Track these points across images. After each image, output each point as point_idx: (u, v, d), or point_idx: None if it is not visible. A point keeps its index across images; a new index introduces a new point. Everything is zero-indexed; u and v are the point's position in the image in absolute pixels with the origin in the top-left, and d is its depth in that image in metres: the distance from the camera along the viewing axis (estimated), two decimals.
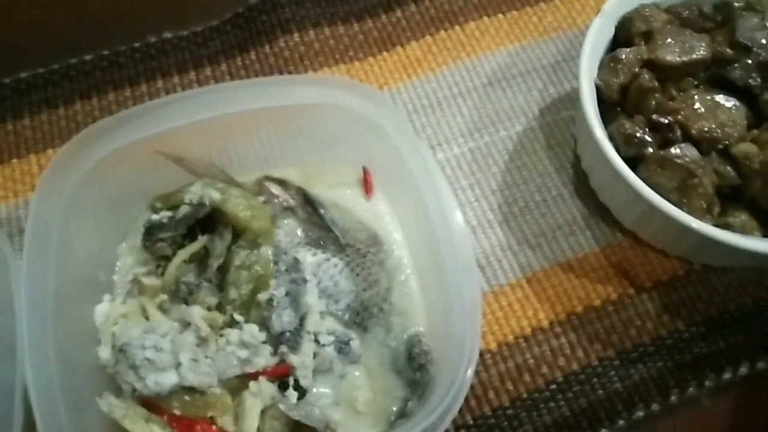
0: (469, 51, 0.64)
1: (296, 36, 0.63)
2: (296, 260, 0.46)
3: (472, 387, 0.48)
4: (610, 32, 0.54)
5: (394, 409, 0.44)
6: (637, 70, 0.52)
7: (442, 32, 0.65)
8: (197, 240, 0.47)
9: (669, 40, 0.52)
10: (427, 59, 0.63)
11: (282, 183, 0.50)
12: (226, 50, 0.63)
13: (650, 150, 0.49)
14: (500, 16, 0.65)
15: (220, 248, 0.46)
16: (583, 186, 0.57)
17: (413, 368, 0.45)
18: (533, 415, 0.49)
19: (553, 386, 0.50)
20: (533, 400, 0.49)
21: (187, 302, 0.45)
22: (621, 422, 0.49)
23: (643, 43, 0.53)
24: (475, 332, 0.40)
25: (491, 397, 0.49)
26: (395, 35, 0.64)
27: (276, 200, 0.49)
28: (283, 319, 0.45)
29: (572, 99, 0.61)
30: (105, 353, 0.42)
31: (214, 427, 0.42)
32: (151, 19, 0.65)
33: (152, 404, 0.43)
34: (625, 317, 0.53)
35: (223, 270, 0.46)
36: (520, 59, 0.63)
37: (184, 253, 0.46)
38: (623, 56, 0.52)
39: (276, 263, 0.46)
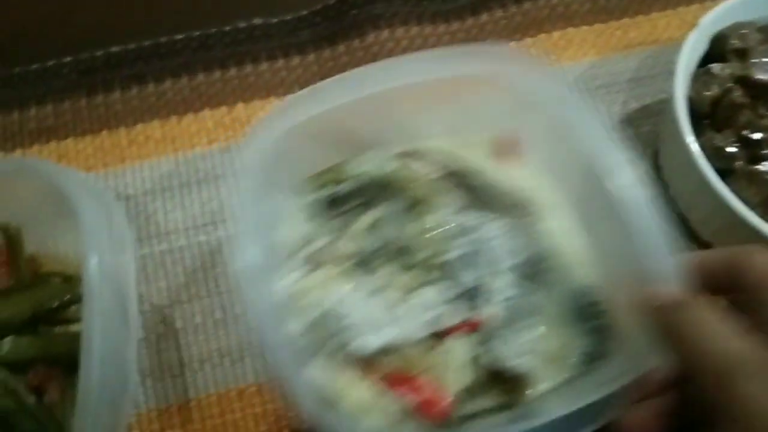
0: (553, 60, 0.64)
1: (386, 32, 0.63)
2: (469, 221, 0.48)
3: None
4: (704, 47, 0.55)
5: (579, 354, 0.45)
6: (729, 85, 0.52)
7: (528, 39, 0.65)
8: (373, 209, 0.48)
9: (764, 59, 0.53)
10: None
11: (425, 155, 0.51)
12: (315, 41, 0.64)
13: (739, 164, 0.50)
14: (585, 27, 0.66)
15: (395, 216, 0.48)
16: (660, 198, 0.57)
17: (590, 316, 0.46)
18: None
19: None
20: None
21: (368, 269, 0.46)
22: None
23: (736, 59, 0.54)
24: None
25: None
26: (480, 39, 0.65)
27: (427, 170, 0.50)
28: (465, 279, 0.46)
29: (653, 113, 0.62)
30: (298, 325, 0.43)
31: (419, 382, 0.43)
32: (241, 4, 0.65)
33: (358, 365, 0.43)
34: None
35: (398, 236, 0.48)
36: (604, 71, 0.64)
37: (363, 222, 0.48)
38: (717, 71, 0.53)
39: (450, 227, 0.48)
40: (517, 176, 0.52)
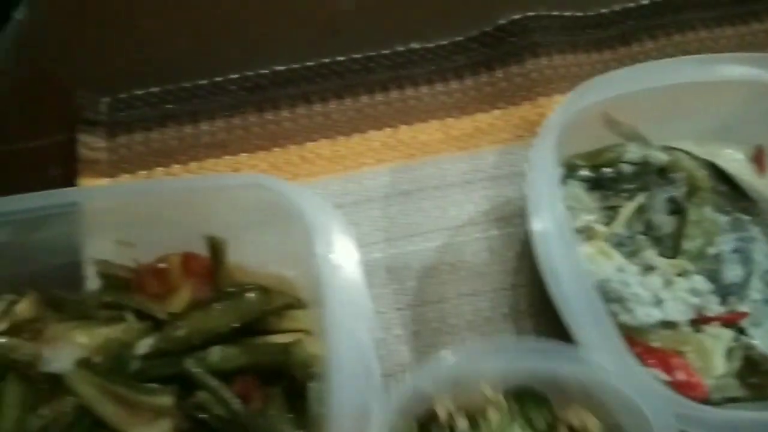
0: None
1: (544, 60, 0.65)
2: (738, 220, 0.51)
3: None
4: None
5: None
6: None
7: None
8: (640, 195, 0.52)
9: None
10: None
11: (690, 154, 0.54)
12: (471, 66, 0.66)
13: None
14: None
15: (660, 204, 0.52)
16: None
17: None
18: None
19: None
20: None
21: (632, 251, 0.50)
22: None
23: None
24: None
25: None
26: None
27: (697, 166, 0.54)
28: (731, 273, 0.49)
29: None
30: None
31: (685, 361, 0.46)
32: (399, 30, 0.67)
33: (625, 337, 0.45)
34: None
35: (661, 224, 0.51)
36: None
37: (632, 206, 0.51)
38: None
39: (720, 222, 0.51)
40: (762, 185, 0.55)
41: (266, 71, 0.65)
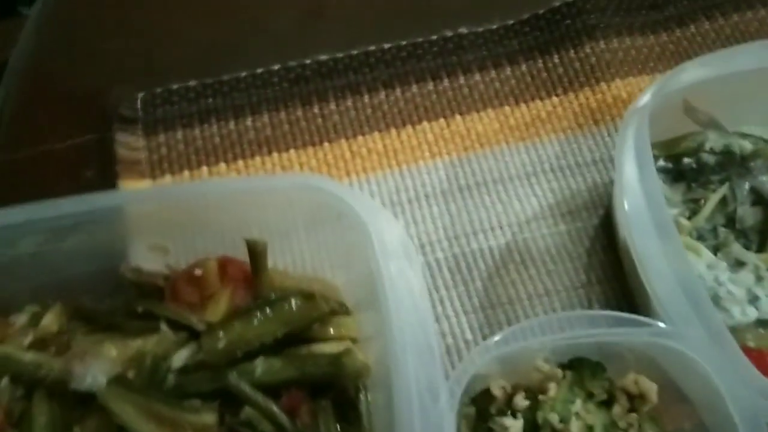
0: None
1: (602, 43, 0.62)
2: None
3: None
4: None
5: None
6: None
7: None
8: (724, 185, 0.49)
9: None
10: None
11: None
12: (525, 51, 0.63)
13: None
14: None
15: (743, 195, 0.49)
16: None
17: None
18: None
19: None
20: None
21: (715, 244, 0.48)
22: None
23: None
24: None
25: None
26: (691, 50, 0.63)
27: None
28: None
29: None
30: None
31: None
32: (448, 14, 0.64)
33: None
34: None
35: (745, 216, 0.49)
36: None
37: (717, 197, 0.48)
38: None
39: None
40: None
41: (309, 61, 0.61)
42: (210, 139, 0.58)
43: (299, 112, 0.59)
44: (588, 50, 0.61)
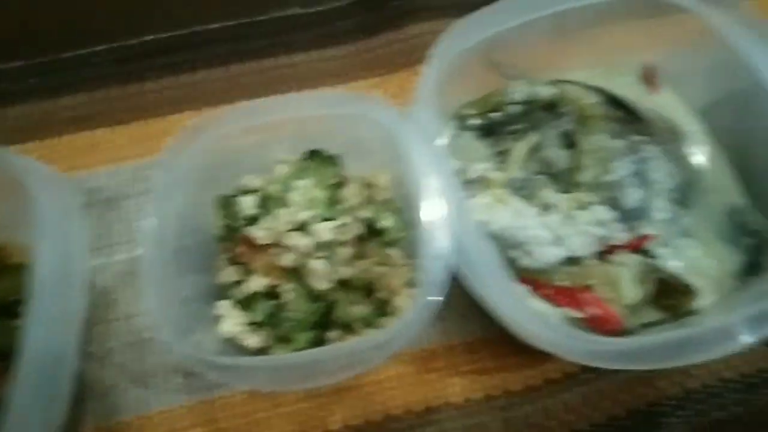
0: None
1: (426, 25, 0.62)
2: (632, 143, 0.49)
3: None
4: None
5: (736, 270, 0.48)
6: None
7: None
8: (530, 135, 0.50)
9: None
10: None
11: (578, 83, 0.52)
12: (351, 32, 0.63)
13: None
14: None
15: (553, 140, 0.50)
16: None
17: (744, 234, 0.48)
18: None
19: None
20: None
21: (530, 193, 0.48)
22: None
23: None
24: None
25: None
26: None
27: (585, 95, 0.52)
28: (631, 197, 0.48)
29: None
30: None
31: (590, 296, 0.45)
32: None
33: (529, 281, 0.46)
34: None
35: (557, 159, 0.50)
36: None
37: (523, 147, 0.50)
38: None
39: (613, 147, 0.49)
40: (661, 104, 0.53)
41: (134, 41, 0.62)
42: (28, 118, 0.58)
43: (116, 92, 0.59)
44: (410, 31, 0.61)
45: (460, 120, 0.52)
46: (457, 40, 0.46)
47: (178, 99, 0.59)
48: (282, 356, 0.44)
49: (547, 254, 0.45)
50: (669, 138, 0.51)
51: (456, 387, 0.49)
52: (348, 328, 0.47)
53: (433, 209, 0.41)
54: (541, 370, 0.49)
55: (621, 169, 0.48)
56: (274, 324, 0.46)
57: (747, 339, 0.39)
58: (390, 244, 0.48)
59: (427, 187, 0.42)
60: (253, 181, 0.49)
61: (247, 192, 0.48)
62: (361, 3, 0.64)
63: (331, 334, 0.47)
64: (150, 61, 0.61)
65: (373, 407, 0.48)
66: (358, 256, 0.48)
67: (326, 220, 0.47)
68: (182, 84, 0.60)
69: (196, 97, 0.59)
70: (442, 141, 0.45)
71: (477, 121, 0.52)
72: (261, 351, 0.47)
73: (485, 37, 0.47)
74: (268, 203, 0.47)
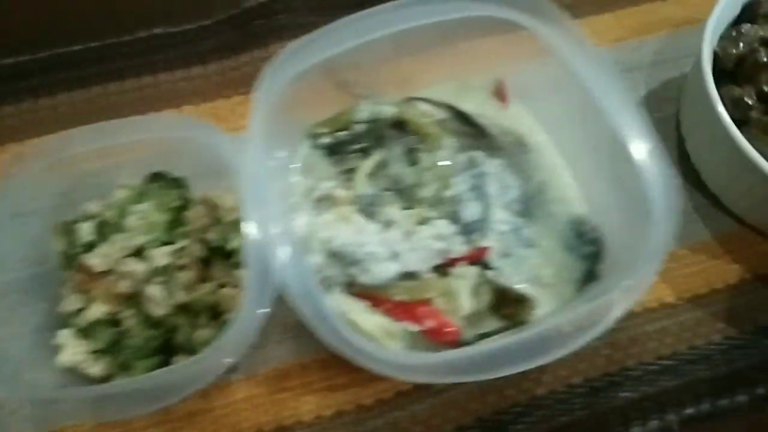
0: None
1: (287, 43, 0.62)
2: (472, 158, 0.51)
3: None
4: (736, 10, 0.57)
5: (576, 278, 0.49)
6: (756, 45, 0.54)
7: None
8: (375, 153, 0.51)
9: None
10: None
11: (428, 100, 0.54)
12: (219, 50, 0.63)
13: (755, 114, 0.52)
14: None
15: (398, 157, 0.51)
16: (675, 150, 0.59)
17: (584, 243, 0.50)
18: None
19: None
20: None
21: (374, 210, 0.49)
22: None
23: (766, 23, 0.55)
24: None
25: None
26: None
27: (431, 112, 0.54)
28: (469, 211, 0.49)
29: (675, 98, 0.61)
30: (317, 258, 0.46)
31: (429, 309, 0.46)
32: (142, 14, 0.64)
33: (370, 296, 0.47)
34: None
35: (401, 176, 0.51)
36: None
37: (368, 165, 0.51)
38: (746, 30, 0.55)
39: (453, 163, 0.51)
40: (511, 117, 0.55)
41: None
42: None
43: None
44: (273, 49, 0.62)
45: (313, 138, 0.52)
46: (290, 61, 0.46)
47: (37, 122, 0.58)
48: (91, 387, 0.45)
49: (384, 270, 0.46)
50: (514, 151, 0.53)
51: (310, 405, 0.49)
52: (194, 352, 0.46)
53: (255, 229, 0.42)
54: (392, 383, 0.50)
55: (460, 184, 0.50)
56: (115, 352, 0.46)
57: (576, 341, 0.40)
58: (239, 265, 0.48)
59: (248, 208, 0.42)
60: (91, 206, 0.48)
61: (87, 218, 0.48)
62: (227, 21, 0.64)
63: (177, 359, 0.47)
64: (12, 84, 0.60)
65: (223, 429, 0.48)
66: (203, 278, 0.48)
67: (166, 243, 0.47)
68: (40, 107, 0.59)
69: (54, 120, 0.58)
70: (273, 162, 0.46)
71: (327, 140, 0.52)
72: (104, 379, 0.46)
73: (324, 58, 0.47)
74: (105, 229, 0.47)
